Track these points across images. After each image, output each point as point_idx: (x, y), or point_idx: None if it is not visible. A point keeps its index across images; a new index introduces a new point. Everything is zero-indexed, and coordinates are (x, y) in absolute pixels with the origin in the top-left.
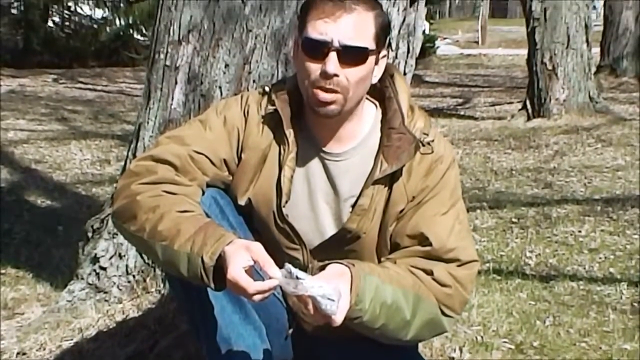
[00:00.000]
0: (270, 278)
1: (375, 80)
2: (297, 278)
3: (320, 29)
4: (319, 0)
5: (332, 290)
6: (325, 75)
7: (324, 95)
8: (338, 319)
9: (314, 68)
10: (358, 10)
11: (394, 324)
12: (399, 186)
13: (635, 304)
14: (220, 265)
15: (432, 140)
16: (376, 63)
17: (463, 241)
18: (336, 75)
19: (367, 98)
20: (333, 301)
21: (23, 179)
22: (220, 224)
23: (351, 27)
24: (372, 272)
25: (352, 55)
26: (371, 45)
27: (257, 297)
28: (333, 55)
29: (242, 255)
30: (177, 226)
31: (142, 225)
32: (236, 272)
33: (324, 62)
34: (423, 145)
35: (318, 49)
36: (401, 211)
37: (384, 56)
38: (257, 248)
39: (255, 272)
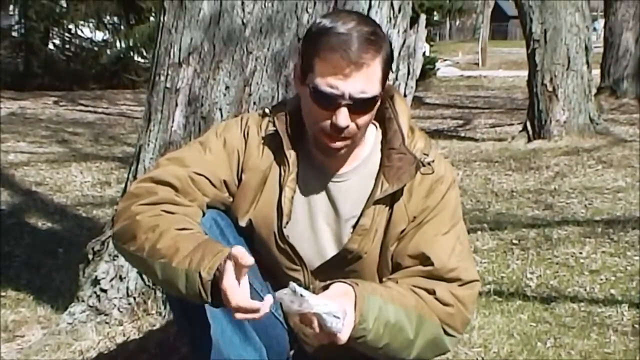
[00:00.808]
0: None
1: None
2: (302, 296)
3: (330, 82)
4: (326, 51)
5: (337, 308)
6: (336, 128)
7: (334, 144)
8: (343, 337)
9: (324, 116)
10: (367, 62)
11: (397, 344)
12: (400, 206)
13: (637, 326)
14: (218, 283)
15: (433, 161)
16: (381, 95)
17: (464, 261)
18: (347, 126)
19: None
20: (338, 319)
21: (23, 202)
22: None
23: (362, 82)
24: (375, 291)
25: (363, 106)
26: (379, 90)
27: (237, 315)
28: (344, 110)
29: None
30: (176, 244)
31: (141, 245)
32: (229, 283)
33: (334, 114)
34: (424, 166)
35: (328, 102)
36: (402, 231)
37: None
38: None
39: (253, 290)
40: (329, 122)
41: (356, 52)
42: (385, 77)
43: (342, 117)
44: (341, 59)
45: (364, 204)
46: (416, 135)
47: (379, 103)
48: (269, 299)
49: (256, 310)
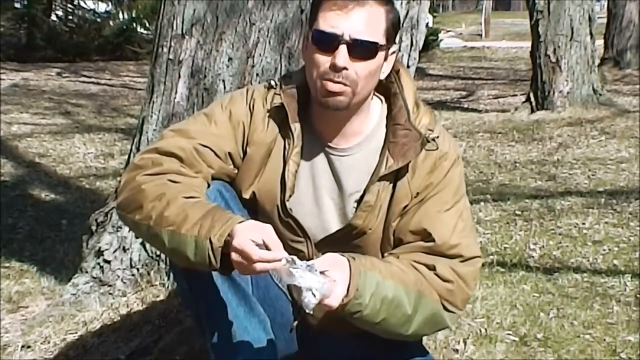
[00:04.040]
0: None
1: (383, 76)
2: (294, 267)
3: (331, 22)
4: None
5: (319, 285)
6: (334, 67)
7: (332, 86)
8: (332, 303)
9: (324, 60)
10: (370, 4)
11: (394, 319)
12: (404, 183)
13: (639, 296)
14: (227, 252)
15: (437, 137)
16: (385, 59)
17: (466, 238)
18: (345, 68)
19: (373, 93)
20: (314, 296)
21: (27, 173)
22: None
23: (362, 21)
24: (373, 267)
25: (362, 50)
26: (381, 40)
27: (259, 266)
28: (343, 49)
29: (253, 232)
30: (184, 211)
31: (148, 213)
32: (243, 241)
33: (333, 55)
34: (428, 142)
35: (328, 42)
36: (405, 207)
37: (393, 52)
38: (270, 229)
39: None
40: (328, 64)
41: None
42: (390, 35)
43: (341, 56)
44: None
45: (368, 179)
46: (421, 110)
47: (383, 57)
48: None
49: (278, 260)
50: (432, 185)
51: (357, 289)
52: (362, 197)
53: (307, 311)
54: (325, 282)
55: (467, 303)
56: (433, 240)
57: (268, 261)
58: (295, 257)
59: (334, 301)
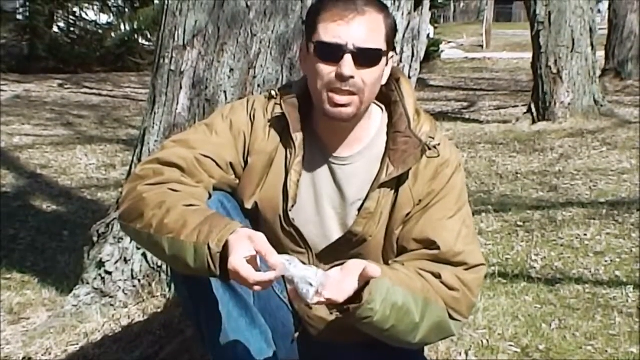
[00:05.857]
0: (271, 268)
1: (383, 81)
2: (289, 263)
3: (333, 32)
4: (329, 2)
5: (313, 275)
6: (341, 77)
7: (340, 98)
8: (338, 298)
9: (328, 71)
10: (369, 12)
11: (403, 326)
12: (405, 190)
13: None
14: (227, 256)
15: (438, 144)
16: (386, 64)
17: (470, 245)
18: (352, 77)
19: (373, 102)
20: (311, 286)
21: (28, 184)
22: None
23: (364, 30)
24: (383, 273)
25: (367, 57)
26: (383, 46)
27: (257, 288)
28: (348, 58)
29: (245, 244)
30: (184, 218)
31: (149, 222)
32: (237, 262)
33: (338, 65)
34: (429, 149)
35: (332, 53)
36: (407, 215)
37: (392, 57)
38: (260, 238)
39: (261, 261)
40: (333, 75)
41: (360, 3)
42: (389, 40)
43: (347, 65)
44: (345, 7)
45: (370, 187)
46: (422, 118)
47: (385, 63)
48: (276, 261)
49: (274, 279)
50: (435, 192)
51: (369, 293)
52: (362, 204)
53: (308, 301)
54: (318, 271)
55: (472, 310)
56: (438, 248)
57: (264, 282)
58: (294, 258)
59: (340, 296)
